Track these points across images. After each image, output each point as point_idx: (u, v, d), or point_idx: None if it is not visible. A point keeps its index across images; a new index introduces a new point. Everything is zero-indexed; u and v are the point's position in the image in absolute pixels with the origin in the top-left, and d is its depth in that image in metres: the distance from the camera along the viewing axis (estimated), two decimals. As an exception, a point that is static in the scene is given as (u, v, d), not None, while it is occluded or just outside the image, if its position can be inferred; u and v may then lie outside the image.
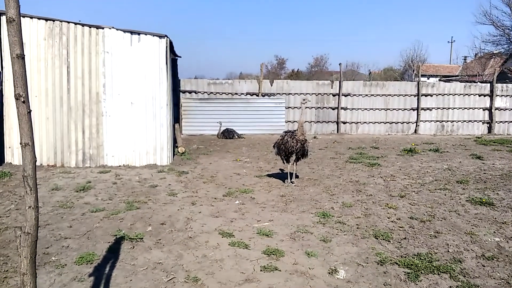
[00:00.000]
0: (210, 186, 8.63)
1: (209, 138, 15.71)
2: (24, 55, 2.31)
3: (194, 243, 5.54)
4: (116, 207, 7.08)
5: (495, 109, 18.13)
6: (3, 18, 9.77)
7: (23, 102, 2.30)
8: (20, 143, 2.37)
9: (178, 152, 12.16)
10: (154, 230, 6.02)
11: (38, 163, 10.18)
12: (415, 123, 18.20)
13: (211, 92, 17.44)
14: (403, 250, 5.35)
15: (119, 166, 10.47)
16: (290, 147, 8.47)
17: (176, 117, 15.95)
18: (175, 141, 12.52)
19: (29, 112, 2.37)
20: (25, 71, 2.30)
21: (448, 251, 5.30)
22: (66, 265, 4.79)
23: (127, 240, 5.56)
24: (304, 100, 8.91)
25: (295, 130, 8.67)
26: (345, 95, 17.80)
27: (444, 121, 18.27)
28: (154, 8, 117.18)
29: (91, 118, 10.38)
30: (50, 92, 10.16)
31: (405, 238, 5.74)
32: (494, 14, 38.09)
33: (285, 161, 8.89)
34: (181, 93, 17.10)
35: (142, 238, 5.62)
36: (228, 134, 15.79)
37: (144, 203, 7.33)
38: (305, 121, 16.62)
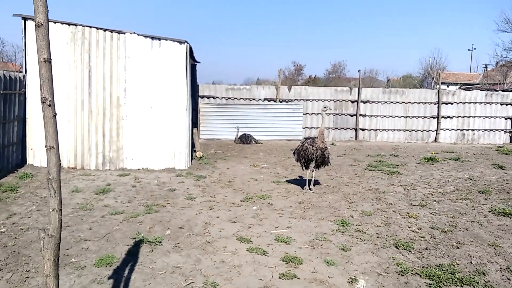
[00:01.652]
0: (228, 191, 8.63)
1: (227, 143, 15.75)
2: (51, 59, 2.34)
3: (212, 248, 5.53)
4: (135, 210, 7.13)
5: (518, 118, 17.77)
6: (29, 22, 9.99)
7: (49, 105, 2.32)
8: (46, 146, 2.39)
9: (196, 156, 12.21)
10: (173, 234, 6.03)
11: (59, 165, 10.35)
12: (435, 131, 17.94)
13: (229, 98, 17.49)
14: (425, 260, 5.24)
15: (138, 169, 10.55)
16: (310, 154, 8.43)
17: (194, 122, 16.04)
18: (193, 145, 12.57)
19: (55, 115, 2.39)
20: (52, 75, 2.32)
21: (471, 262, 5.17)
22: (85, 267, 4.83)
23: (146, 243, 5.59)
24: (325, 107, 8.89)
25: (315, 137, 8.61)
26: (364, 102, 17.66)
27: (464, 129, 17.96)
28: (171, 13, 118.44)
29: (112, 122, 10.51)
30: (72, 95, 10.32)
31: (426, 248, 5.63)
32: (516, 21, 37.35)
33: (304, 168, 8.83)
34: (199, 98, 17.20)
35: (161, 242, 5.64)
36: (245, 139, 15.80)
37: (162, 206, 7.37)
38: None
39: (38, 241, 2.50)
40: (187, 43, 10.72)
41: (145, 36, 10.48)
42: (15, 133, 9.96)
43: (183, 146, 10.79)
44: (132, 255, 5.21)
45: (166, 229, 6.23)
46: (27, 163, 10.36)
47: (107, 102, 10.45)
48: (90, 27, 10.26)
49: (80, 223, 6.38)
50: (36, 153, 10.35)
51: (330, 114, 17.42)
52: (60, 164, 2.44)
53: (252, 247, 5.52)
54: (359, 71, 18.97)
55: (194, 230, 6.22)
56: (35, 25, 2.35)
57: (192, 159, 11.67)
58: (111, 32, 10.35)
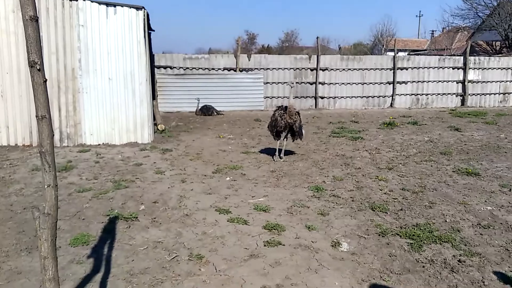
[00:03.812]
0: (198, 163, 8.45)
1: (187, 115, 15.39)
2: (37, 17, 2.07)
3: (192, 221, 5.41)
4: (103, 186, 6.84)
5: (468, 82, 18.52)
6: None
7: (39, 69, 2.07)
8: (36, 116, 2.15)
9: (158, 129, 11.86)
10: (148, 208, 5.85)
11: (12, 143, 9.74)
12: (391, 97, 18.38)
13: (187, 68, 16.98)
14: (402, 221, 5.40)
15: (99, 144, 10.11)
16: (279, 127, 8.53)
17: (152, 94, 15.50)
18: (154, 118, 12.17)
19: (45, 81, 2.14)
20: (39, 35, 2.06)
21: (446, 221, 5.38)
22: (60, 247, 4.56)
23: (121, 219, 5.38)
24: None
25: (286, 106, 8.58)
26: (323, 70, 17.72)
27: (419, 94, 18.53)
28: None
29: (67, 95, 9.92)
30: (22, 68, 9.58)
31: (401, 209, 5.80)
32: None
33: (274, 137, 8.83)
34: (156, 69, 16.58)
35: (136, 217, 5.45)
36: (206, 110, 15.49)
37: (132, 181, 7.11)
38: (284, 97, 16.55)
39: (35, 222, 2.28)
40: (144, 9, 10.19)
41: (99, 3, 9.83)
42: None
43: (145, 119, 10.41)
44: (109, 233, 5.00)
45: (139, 204, 6.02)
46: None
47: (62, 74, 9.82)
48: (38, -7, 9.49)
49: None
50: (-15, 132, 9.64)
51: (294, 82, 17.35)
52: (53, 135, 2.21)
53: (233, 217, 5.45)
54: (317, 38, 18.98)
55: (169, 204, 6.06)
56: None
57: (154, 132, 11.31)
58: (62, -1, 9.63)
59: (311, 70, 17.70)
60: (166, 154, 9.16)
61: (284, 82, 17.09)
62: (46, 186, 2.18)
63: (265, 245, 4.68)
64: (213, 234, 4.99)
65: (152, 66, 16.07)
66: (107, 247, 4.63)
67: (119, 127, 10.26)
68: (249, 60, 17.39)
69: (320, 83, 17.69)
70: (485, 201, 6.11)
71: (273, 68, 17.41)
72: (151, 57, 15.98)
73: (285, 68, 17.49)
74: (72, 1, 9.67)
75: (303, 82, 17.69)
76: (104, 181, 7.16)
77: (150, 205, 5.99)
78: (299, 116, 8.62)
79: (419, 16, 68.01)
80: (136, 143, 10.26)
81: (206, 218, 5.50)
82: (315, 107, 17.78)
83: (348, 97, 18.13)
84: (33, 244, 4.60)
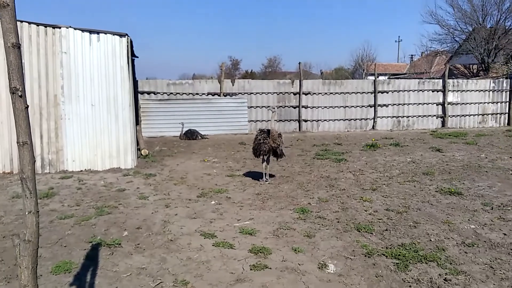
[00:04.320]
0: (182, 187, 8.39)
1: (171, 140, 15.34)
2: (20, 44, 2.07)
3: (176, 246, 5.33)
4: (85, 213, 6.71)
5: (448, 104, 18.95)
6: None
7: (20, 96, 2.06)
8: (18, 142, 2.12)
9: (141, 154, 11.77)
10: (131, 234, 5.75)
11: (-8, 171, 9.53)
12: (372, 120, 18.66)
13: (171, 93, 17.03)
14: (387, 241, 5.41)
15: (81, 170, 9.97)
16: (262, 151, 8.67)
17: (136, 119, 15.44)
18: (137, 143, 12.09)
19: (27, 107, 2.12)
20: (21, 62, 2.06)
21: (430, 240, 5.41)
22: (41, 275, 4.43)
23: (104, 246, 5.27)
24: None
25: (269, 130, 8.68)
26: (306, 94, 17.96)
27: (400, 116, 18.86)
28: (107, 7, 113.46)
29: (49, 122, 9.82)
30: (3, 94, 9.49)
31: (386, 230, 5.82)
32: (439, 14, 40.01)
33: (261, 160, 8.90)
34: (139, 94, 16.58)
35: (120, 244, 5.35)
36: (191, 135, 15.47)
37: (114, 207, 7.00)
38: (268, 120, 16.64)
39: (15, 250, 2.22)
40: (128, 36, 10.26)
41: (83, 30, 9.87)
42: None
43: (128, 144, 10.35)
44: (92, 259, 4.89)
45: (123, 230, 5.92)
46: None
47: (44, 100, 9.74)
48: (22, 21, 9.46)
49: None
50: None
51: (274, 106, 17.52)
52: (35, 161, 2.18)
53: (218, 242, 5.39)
54: (299, 63, 19.28)
55: (153, 229, 5.97)
56: (0, 5, 2.06)
57: (137, 157, 11.22)
58: (45, 26, 9.63)
59: (294, 94, 17.92)
60: (150, 179, 9.07)
61: (268, 106, 17.23)
62: (27, 213, 2.13)
63: (251, 269, 4.63)
64: (198, 259, 4.92)
65: (136, 92, 16.09)
66: (90, 274, 4.52)
67: (102, 153, 10.16)
68: (233, 85, 17.55)
69: (303, 106, 17.89)
70: (469, 219, 6.18)
71: (257, 93, 17.58)
72: (135, 83, 16.02)
73: (268, 93, 17.69)
74: (55, 28, 9.70)
75: (287, 106, 17.89)
76: (86, 207, 7.04)
77: (134, 231, 5.90)
78: (281, 138, 8.73)
79: (398, 41, 70.09)
80: (119, 169, 10.15)
81: (191, 243, 5.43)
82: (299, 130, 17.93)
83: (331, 120, 18.36)
84: (12, 273, 4.47)
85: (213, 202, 7.28)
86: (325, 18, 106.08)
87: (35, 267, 2.26)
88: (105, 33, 10.03)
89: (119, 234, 5.76)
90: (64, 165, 9.99)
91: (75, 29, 9.83)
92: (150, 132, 16.08)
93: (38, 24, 9.62)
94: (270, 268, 4.65)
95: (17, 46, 2.06)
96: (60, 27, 9.74)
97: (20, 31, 9.34)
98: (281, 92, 17.84)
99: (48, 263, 4.76)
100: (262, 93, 17.63)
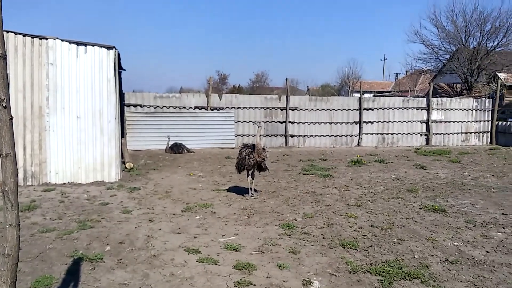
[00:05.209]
0: (166, 201, 8.31)
1: (157, 153, 15.24)
2: (6, 55, 2.06)
3: (159, 262, 5.26)
4: (67, 226, 6.60)
5: (432, 122, 19.25)
6: None
7: (5, 107, 2.03)
8: (1, 154, 2.09)
9: (126, 168, 11.67)
10: (113, 249, 5.65)
11: (-28, 183, 9.32)
12: (358, 136, 18.83)
13: (158, 106, 16.99)
14: (372, 258, 5.42)
15: (64, 183, 9.82)
16: (247, 165, 8.68)
17: (121, 132, 15.34)
18: (122, 156, 11.99)
19: (11, 118, 2.10)
20: (7, 73, 2.04)
21: (414, 257, 5.43)
22: (19, 292, 4.34)
23: (86, 261, 5.17)
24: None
25: (253, 145, 8.69)
26: (292, 109, 18.08)
27: (385, 133, 19.08)
28: (95, 19, 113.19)
29: (33, 133, 9.69)
30: (-14, 105, 9.36)
31: (371, 246, 5.83)
32: (424, 33, 40.88)
33: (244, 173, 8.92)
34: (125, 107, 16.50)
35: (102, 258, 5.25)
36: (177, 148, 15.40)
37: (97, 221, 6.89)
38: (255, 135, 16.66)
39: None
40: (115, 48, 10.25)
41: (70, 42, 9.83)
42: None
43: (113, 157, 10.25)
44: (73, 274, 4.79)
45: (105, 245, 5.83)
46: None
47: (28, 112, 9.62)
48: (8, 31, 9.39)
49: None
50: None
51: (261, 121, 17.59)
52: (17, 173, 2.14)
53: (202, 257, 5.33)
54: (286, 79, 19.49)
55: (136, 244, 5.89)
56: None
57: (122, 170, 11.11)
58: (32, 37, 9.57)
59: (281, 109, 18.03)
60: (134, 193, 8.98)
61: (255, 121, 17.27)
62: (7, 226, 2.09)
63: (235, 286, 4.58)
64: (182, 275, 4.85)
65: (122, 104, 16.01)
66: (70, 290, 4.42)
67: (86, 166, 10.04)
68: (220, 99, 17.59)
69: (290, 122, 18.00)
70: (452, 237, 6.24)
71: (244, 107, 17.64)
72: (121, 95, 15.95)
73: (255, 108, 17.76)
74: (42, 39, 9.64)
75: (274, 121, 17.98)
76: (68, 221, 6.92)
77: (116, 245, 5.80)
78: (266, 152, 8.78)
79: (384, 60, 71.51)
80: (103, 182, 10.03)
81: (175, 258, 5.36)
82: (286, 145, 17.99)
83: (317, 135, 18.47)
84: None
85: (198, 217, 7.22)
86: (312, 36, 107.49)
87: (14, 282, 2.20)
88: (93, 45, 10.01)
89: (101, 248, 5.66)
90: (47, 178, 9.84)
91: (62, 40, 9.78)
92: (136, 145, 15.97)
93: (24, 35, 9.55)
94: (255, 285, 4.61)
95: (3, 57, 2.04)
96: (47, 38, 9.69)
97: (6, 41, 9.27)
98: (268, 107, 17.94)
99: (28, 278, 4.65)
100: (250, 107, 17.70)
